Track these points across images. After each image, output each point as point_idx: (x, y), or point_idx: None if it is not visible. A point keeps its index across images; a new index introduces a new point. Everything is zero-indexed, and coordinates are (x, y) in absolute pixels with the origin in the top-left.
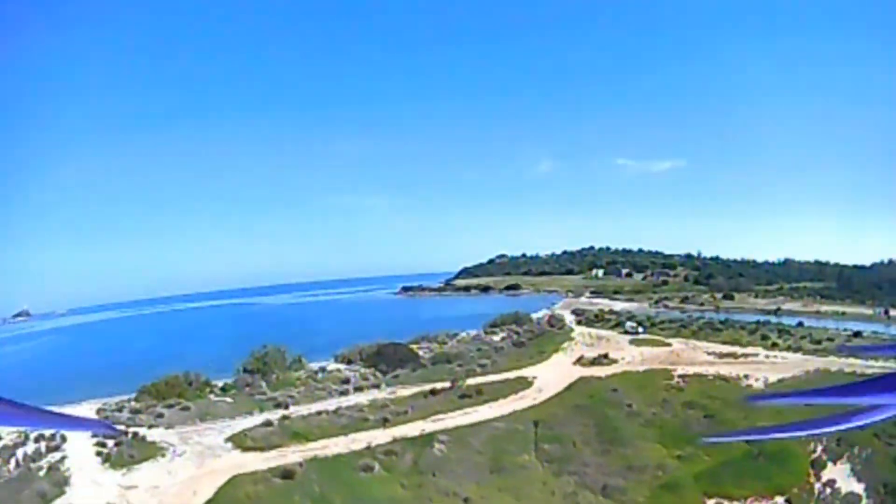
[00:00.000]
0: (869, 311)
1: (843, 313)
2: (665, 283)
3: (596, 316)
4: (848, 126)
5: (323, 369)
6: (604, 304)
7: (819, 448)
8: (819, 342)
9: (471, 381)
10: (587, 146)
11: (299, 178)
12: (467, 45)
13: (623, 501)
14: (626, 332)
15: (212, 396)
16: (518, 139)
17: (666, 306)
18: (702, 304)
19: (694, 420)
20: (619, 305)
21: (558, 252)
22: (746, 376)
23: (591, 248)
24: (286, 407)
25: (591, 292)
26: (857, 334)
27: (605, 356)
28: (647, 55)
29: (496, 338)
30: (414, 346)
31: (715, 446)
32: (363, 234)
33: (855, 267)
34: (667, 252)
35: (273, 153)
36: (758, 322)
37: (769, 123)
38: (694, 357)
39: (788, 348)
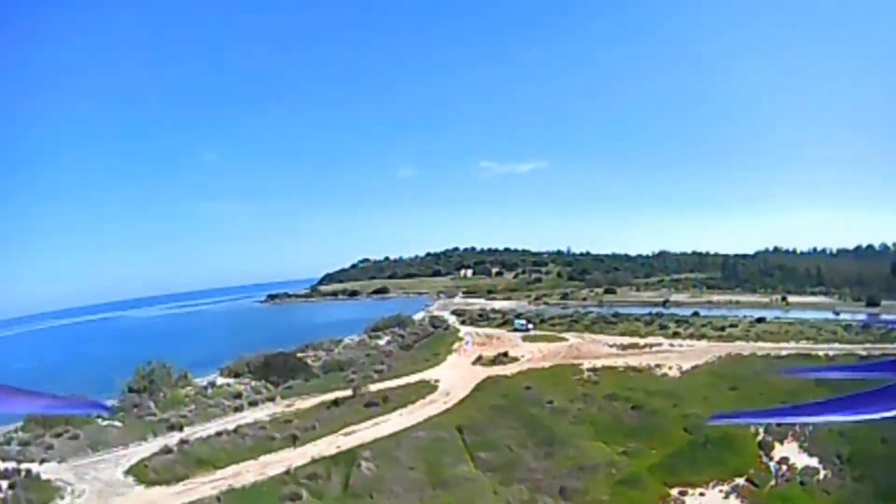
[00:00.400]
0: (762, 299)
1: (737, 301)
2: (538, 280)
3: (480, 315)
4: (715, 121)
5: (212, 384)
6: (481, 303)
7: (761, 430)
8: (722, 329)
9: (371, 388)
10: (450, 150)
11: (158, 186)
12: (327, 49)
13: (586, 502)
14: (516, 330)
15: (100, 421)
16: (380, 145)
17: (546, 303)
18: (584, 300)
19: (623, 412)
20: (497, 304)
21: (422, 254)
22: (658, 365)
23: (456, 248)
24: (180, 429)
25: (465, 292)
26: (761, 320)
27: (505, 354)
28: (510, 59)
29: (381, 342)
30: (301, 355)
31: (654, 438)
32: (224, 243)
33: (738, 256)
34: (534, 250)
35: (130, 160)
36: (651, 314)
37: (633, 121)
38: (596, 350)
39: (691, 336)
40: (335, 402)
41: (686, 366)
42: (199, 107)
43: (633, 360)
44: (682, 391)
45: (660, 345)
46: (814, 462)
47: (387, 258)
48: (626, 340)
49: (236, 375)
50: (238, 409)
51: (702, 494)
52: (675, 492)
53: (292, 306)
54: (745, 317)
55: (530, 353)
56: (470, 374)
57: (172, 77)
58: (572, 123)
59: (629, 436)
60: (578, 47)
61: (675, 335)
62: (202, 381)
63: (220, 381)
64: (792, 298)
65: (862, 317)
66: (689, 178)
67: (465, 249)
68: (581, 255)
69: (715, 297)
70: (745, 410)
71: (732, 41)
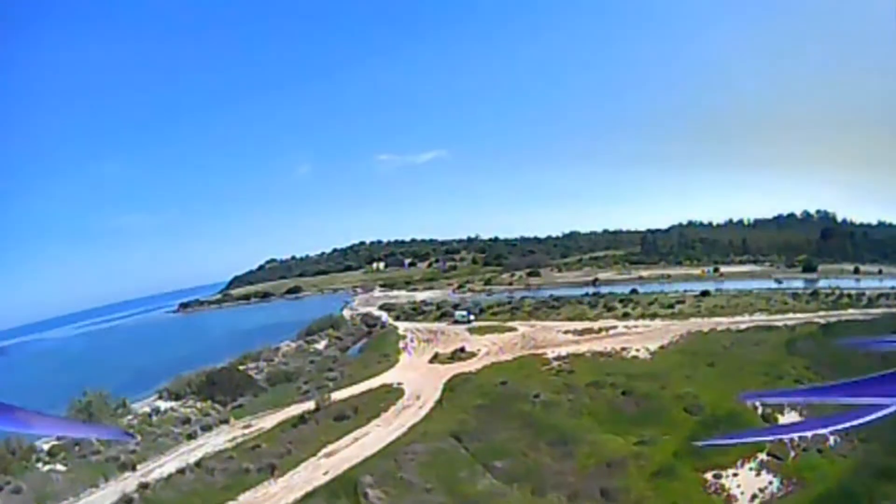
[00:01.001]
0: (693, 271)
1: (668, 276)
2: (454, 268)
3: (413, 308)
4: (615, 97)
5: (156, 410)
6: (404, 295)
7: (759, 405)
8: (671, 306)
9: (332, 398)
10: (347, 145)
11: (60, 201)
12: (219, 51)
13: (630, 500)
14: (458, 322)
15: (40, 465)
16: (276, 144)
17: (472, 290)
18: (510, 284)
19: (615, 399)
20: (421, 295)
21: (328, 251)
22: (625, 349)
23: (363, 243)
24: (133, 467)
25: (381, 286)
26: (706, 293)
27: (462, 350)
28: (401, 54)
29: (319, 346)
30: (241, 368)
31: (661, 424)
32: (130, 254)
33: (651, 231)
34: (442, 238)
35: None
36: (588, 294)
37: (533, 104)
38: (552, 338)
39: (643, 316)
40: (302, 419)
41: (652, 346)
42: (99, 117)
43: (597, 345)
44: (661, 372)
45: (614, 327)
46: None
47: (293, 257)
48: (578, 325)
49: (177, 398)
50: (191, 437)
51: (735, 475)
52: (709, 476)
53: (207, 314)
54: (686, 291)
55: (485, 347)
56: (433, 374)
57: (65, 85)
58: (471, 112)
59: (635, 424)
60: (471, 37)
61: (626, 316)
62: (142, 407)
63: (162, 405)
64: (723, 269)
65: (799, 283)
66: (596, 154)
67: (372, 243)
68: (491, 240)
69: (644, 273)
70: (774, 390)
71: (628, 23)
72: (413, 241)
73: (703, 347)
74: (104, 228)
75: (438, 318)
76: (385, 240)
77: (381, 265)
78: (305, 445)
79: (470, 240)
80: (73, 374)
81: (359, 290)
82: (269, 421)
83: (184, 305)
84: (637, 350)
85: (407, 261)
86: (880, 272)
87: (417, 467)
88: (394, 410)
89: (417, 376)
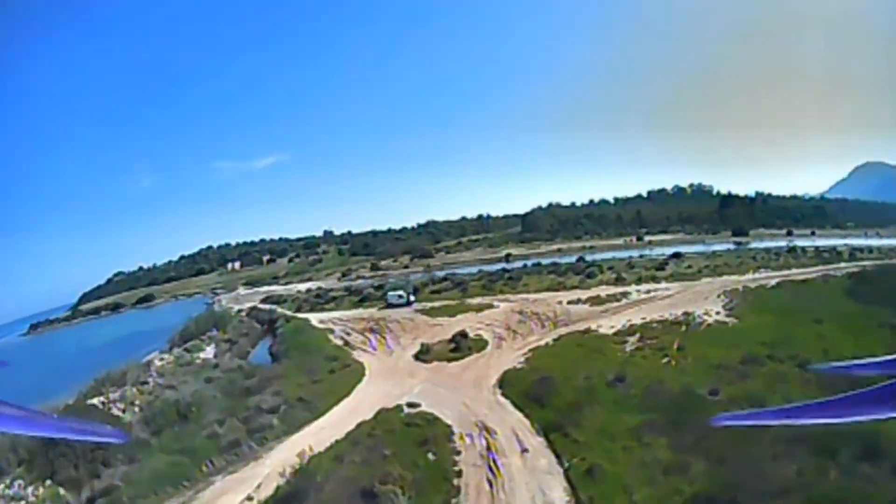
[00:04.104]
0: (616, 241)
1: (591, 247)
2: (319, 260)
3: (317, 296)
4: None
5: None
6: (279, 289)
7: None
8: (660, 268)
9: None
10: (187, 155)
11: None
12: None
13: None
14: (392, 305)
15: None
16: (118, 158)
17: (361, 277)
18: (406, 267)
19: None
20: (301, 286)
21: (176, 258)
22: (687, 313)
23: (210, 247)
24: None
25: (245, 284)
26: (678, 255)
27: (464, 335)
28: (237, 64)
29: (206, 353)
30: (92, 402)
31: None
32: None
33: (514, 216)
34: (293, 236)
35: None
36: (548, 264)
37: (372, 106)
38: (564, 310)
39: (640, 280)
40: None
41: (715, 308)
42: None
43: (640, 314)
44: (785, 338)
45: (625, 293)
46: None
47: (140, 267)
48: (572, 295)
49: None
50: None
51: None
52: None
53: (57, 332)
54: (641, 257)
55: (481, 329)
56: (458, 381)
57: None
58: (310, 114)
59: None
60: (308, 40)
61: (620, 281)
62: None
63: None
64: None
65: (728, 245)
66: (447, 146)
67: (221, 245)
68: (347, 233)
69: (564, 245)
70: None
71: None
72: (263, 240)
73: (781, 305)
74: None
75: (357, 304)
76: (234, 242)
77: (237, 265)
78: None
79: (327, 234)
80: None
81: (218, 290)
82: None
83: (34, 327)
84: (706, 314)
85: (265, 258)
86: (813, 234)
87: None
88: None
89: (433, 388)
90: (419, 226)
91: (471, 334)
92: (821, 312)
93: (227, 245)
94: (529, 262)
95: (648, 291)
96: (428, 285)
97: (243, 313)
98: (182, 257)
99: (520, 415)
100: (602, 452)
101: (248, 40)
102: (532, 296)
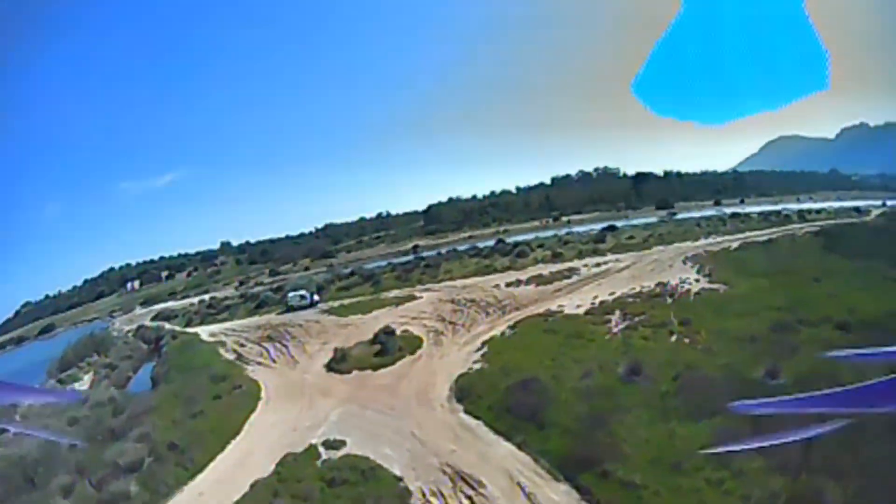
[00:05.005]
0: (534, 223)
1: (506, 230)
2: (217, 272)
3: (210, 307)
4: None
5: None
6: (177, 305)
7: None
8: (599, 241)
9: None
10: (89, 179)
11: None
12: None
13: None
14: (292, 308)
15: None
16: (14, 183)
17: (259, 283)
18: (307, 269)
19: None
20: (195, 299)
21: (79, 283)
22: (662, 283)
23: (112, 269)
24: None
25: (143, 303)
26: (612, 228)
27: (390, 332)
28: (136, 76)
29: (82, 383)
30: None
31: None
32: None
33: (418, 212)
34: (195, 250)
35: None
36: (467, 249)
37: (259, 114)
38: (507, 294)
39: (580, 255)
40: None
41: (692, 276)
42: None
43: (596, 291)
44: (799, 298)
45: (574, 269)
46: None
47: (47, 296)
48: (509, 277)
49: None
50: None
51: None
52: None
53: None
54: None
55: (411, 325)
56: (413, 402)
57: None
58: (203, 127)
59: None
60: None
61: (559, 257)
62: None
63: None
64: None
65: (653, 218)
66: (342, 147)
67: (122, 266)
68: (243, 244)
69: (476, 233)
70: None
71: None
72: (162, 258)
73: (764, 267)
74: None
75: (253, 312)
76: (134, 262)
77: (136, 284)
78: None
79: (225, 245)
80: None
81: (116, 313)
82: None
83: None
84: (685, 283)
85: (163, 274)
86: (742, 202)
87: None
88: None
89: (359, 411)
90: (318, 229)
91: (397, 331)
92: (812, 271)
93: (128, 265)
94: (443, 251)
95: (599, 265)
96: (333, 283)
97: (130, 333)
98: (85, 281)
99: (508, 445)
100: (684, 500)
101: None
102: (459, 282)
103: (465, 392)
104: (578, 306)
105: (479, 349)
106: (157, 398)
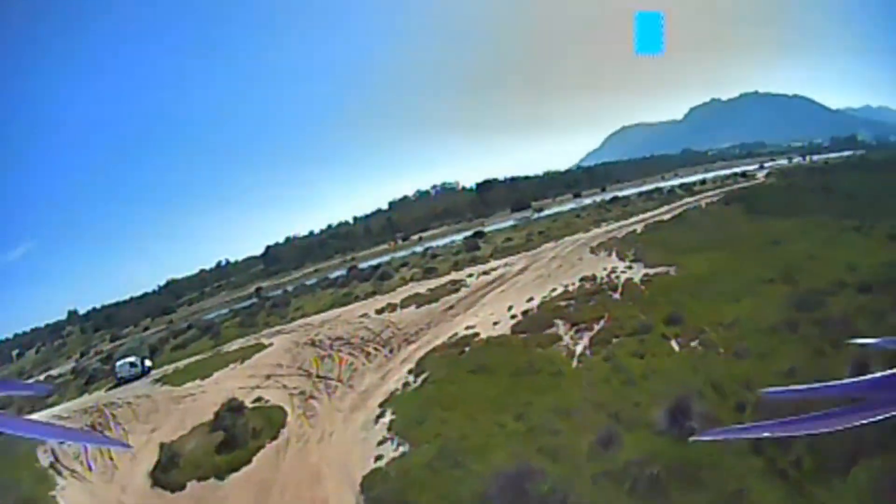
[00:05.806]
0: (378, 249)
1: (353, 259)
2: (64, 344)
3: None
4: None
5: None
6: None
7: None
8: (471, 249)
9: None
10: None
11: None
12: None
13: None
14: (124, 381)
15: None
16: None
17: (98, 351)
18: (145, 330)
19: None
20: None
21: None
22: (587, 278)
23: None
24: None
25: None
26: (480, 234)
27: (237, 409)
28: None
29: None
30: None
31: None
32: None
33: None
34: (41, 325)
35: None
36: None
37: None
38: (382, 323)
39: (454, 267)
40: None
41: (622, 265)
42: None
43: (504, 302)
44: (775, 271)
45: (461, 283)
46: None
47: None
48: (384, 301)
49: None
50: None
51: None
52: None
53: None
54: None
55: (265, 391)
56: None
57: None
58: (46, 196)
59: None
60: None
61: (429, 273)
62: None
63: None
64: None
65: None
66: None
67: None
68: (89, 311)
69: (322, 265)
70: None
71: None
72: (16, 334)
73: (701, 242)
74: None
75: (83, 389)
76: None
77: None
78: None
79: (71, 314)
80: None
81: None
82: None
83: None
84: (613, 274)
85: (15, 352)
86: (604, 189)
87: None
88: None
89: None
90: (159, 287)
91: (247, 402)
92: (759, 235)
93: None
94: (289, 288)
95: (487, 272)
96: (168, 341)
97: None
98: None
99: None
100: None
101: None
102: (316, 318)
103: None
104: (495, 324)
105: (378, 416)
106: None
